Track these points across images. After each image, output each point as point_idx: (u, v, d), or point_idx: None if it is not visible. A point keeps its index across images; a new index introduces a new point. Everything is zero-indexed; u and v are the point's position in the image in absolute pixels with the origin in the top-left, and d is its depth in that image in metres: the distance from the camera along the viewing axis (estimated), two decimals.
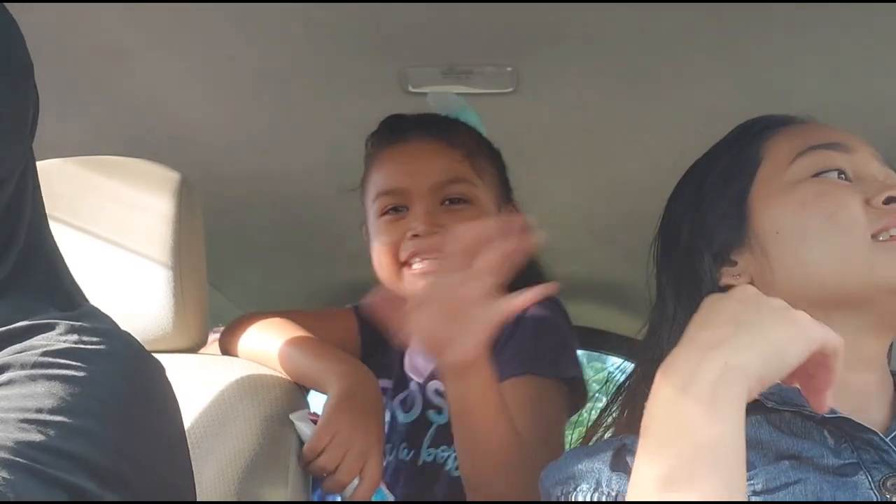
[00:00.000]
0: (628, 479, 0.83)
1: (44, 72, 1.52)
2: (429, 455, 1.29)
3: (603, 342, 2.93)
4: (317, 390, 1.25)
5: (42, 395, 0.67)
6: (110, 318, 0.83)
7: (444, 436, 1.26)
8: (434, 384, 1.32)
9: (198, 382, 1.17)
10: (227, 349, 1.35)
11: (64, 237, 1.20)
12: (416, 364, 1.36)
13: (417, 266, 1.29)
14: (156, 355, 1.19)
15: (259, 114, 1.71)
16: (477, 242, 1.00)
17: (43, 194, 1.22)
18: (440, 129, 1.36)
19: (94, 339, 0.75)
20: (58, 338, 0.74)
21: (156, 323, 1.20)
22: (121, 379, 0.75)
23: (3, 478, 0.60)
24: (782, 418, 0.86)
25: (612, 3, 1.33)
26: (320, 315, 1.48)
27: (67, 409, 0.67)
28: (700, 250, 1.02)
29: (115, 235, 1.21)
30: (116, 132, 1.73)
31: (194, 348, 1.28)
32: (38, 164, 1.24)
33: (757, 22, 1.39)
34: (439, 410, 1.31)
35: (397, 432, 1.33)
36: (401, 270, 1.31)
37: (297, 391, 1.24)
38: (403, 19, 1.40)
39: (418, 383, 1.35)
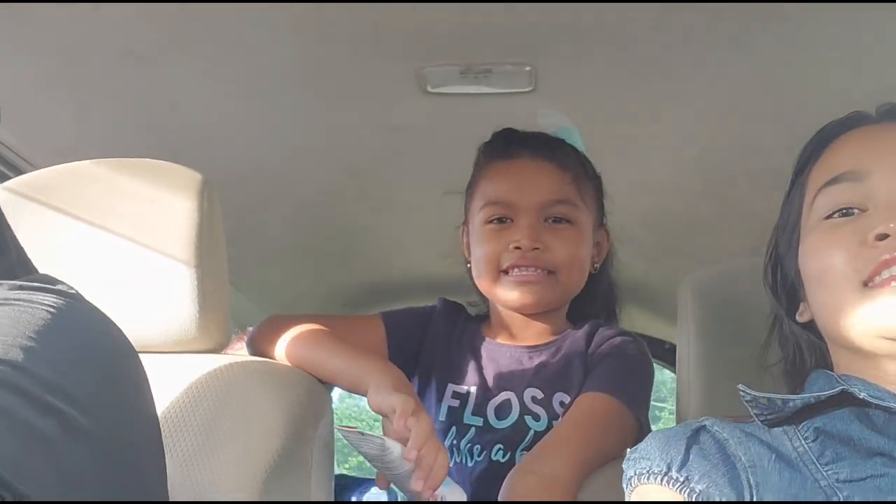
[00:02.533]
0: (701, 463, 0.88)
1: (64, 74, 1.54)
2: (523, 456, 1.32)
3: None
4: (355, 392, 1.29)
5: None
6: (62, 282, 0.84)
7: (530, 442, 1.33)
8: (531, 391, 1.38)
9: (220, 383, 1.17)
10: (260, 350, 1.37)
11: (86, 238, 1.21)
12: (506, 373, 1.42)
13: (516, 273, 1.39)
14: (179, 356, 1.21)
15: (278, 114, 1.72)
16: None
17: (68, 196, 1.24)
18: (553, 150, 1.44)
19: (40, 293, 0.77)
20: (5, 292, 0.75)
21: (178, 324, 1.21)
22: (70, 322, 0.76)
23: None
24: (874, 417, 0.86)
25: (630, 1, 1.33)
26: (349, 320, 1.53)
27: (7, 332, 0.69)
28: (772, 288, 1.05)
29: (138, 236, 1.22)
30: (136, 135, 1.74)
31: (216, 349, 1.28)
32: (64, 166, 1.26)
33: (775, 16, 1.38)
34: (537, 417, 1.36)
35: (489, 436, 1.37)
36: (499, 277, 1.40)
37: (321, 390, 1.24)
38: (421, 19, 1.40)
39: (514, 392, 1.39)
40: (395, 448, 1.12)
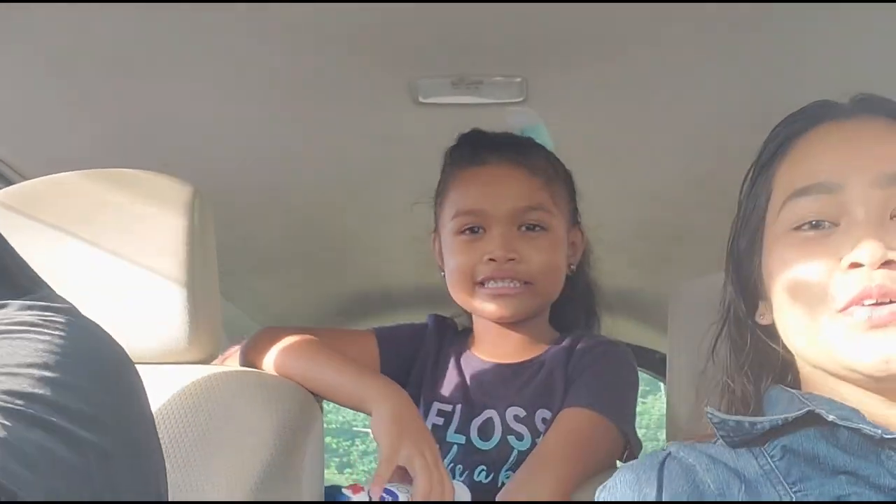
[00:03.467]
0: (682, 496, 0.85)
1: (56, 84, 1.54)
2: (507, 478, 1.31)
3: None
4: (354, 409, 1.30)
5: (5, 354, 0.71)
6: (65, 300, 0.85)
7: (524, 461, 1.29)
8: (513, 410, 1.36)
9: (211, 394, 1.17)
10: (251, 362, 1.36)
11: (77, 250, 1.21)
12: (489, 391, 1.40)
13: (492, 286, 1.36)
14: (169, 367, 1.21)
15: (270, 125, 1.72)
16: None
17: (58, 207, 1.24)
18: (522, 154, 1.40)
19: (49, 313, 0.78)
20: (14, 313, 0.77)
21: (169, 335, 1.21)
22: (80, 340, 0.78)
23: None
24: (839, 435, 0.83)
25: (622, 2, 1.33)
26: (342, 334, 1.51)
27: (34, 363, 0.70)
28: (733, 278, 1.00)
29: (129, 248, 1.22)
30: (129, 145, 1.74)
31: (207, 360, 1.28)
32: (52, 177, 1.26)
33: (765, 27, 1.39)
34: (520, 437, 1.34)
35: (473, 456, 1.36)
36: (475, 289, 1.38)
37: (311, 402, 1.24)
38: (413, 31, 1.41)
39: (496, 411, 1.38)
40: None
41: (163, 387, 1.18)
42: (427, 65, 1.51)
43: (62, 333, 0.76)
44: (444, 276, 1.46)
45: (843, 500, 0.81)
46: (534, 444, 1.32)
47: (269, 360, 1.33)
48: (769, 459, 0.87)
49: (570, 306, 1.51)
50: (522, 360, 1.42)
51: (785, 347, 0.93)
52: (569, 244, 1.45)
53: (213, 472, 1.09)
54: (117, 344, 0.83)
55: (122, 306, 1.18)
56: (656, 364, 2.90)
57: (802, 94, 1.55)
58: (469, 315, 1.50)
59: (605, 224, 2.02)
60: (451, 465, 1.35)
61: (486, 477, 1.33)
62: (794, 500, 0.83)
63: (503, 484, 1.30)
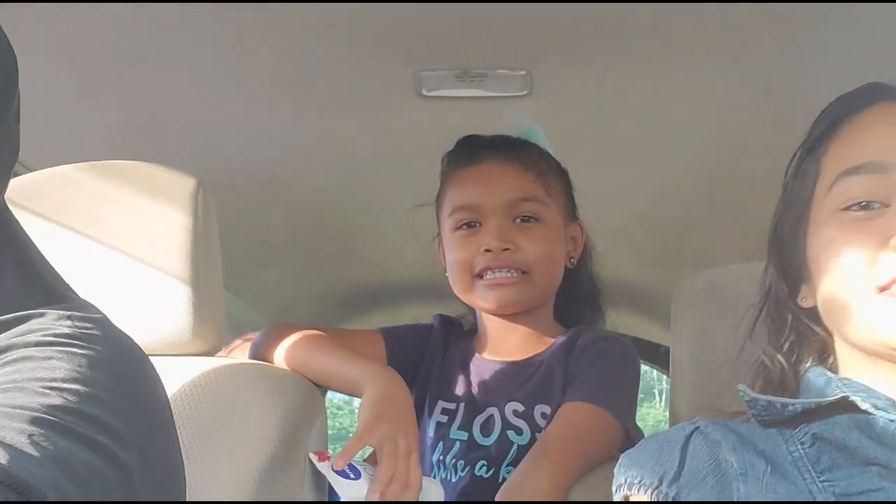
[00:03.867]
0: (692, 477, 0.86)
1: (59, 76, 1.54)
2: (508, 472, 1.32)
3: None
4: (349, 393, 1.31)
5: (52, 367, 0.72)
6: (98, 309, 0.86)
7: (524, 455, 1.29)
8: (512, 405, 1.37)
9: (214, 386, 1.17)
10: (261, 356, 1.37)
11: (79, 242, 1.21)
12: (492, 389, 1.41)
13: (490, 277, 1.38)
14: (173, 359, 1.21)
15: (274, 117, 1.72)
16: None
17: (60, 199, 1.24)
18: (515, 150, 1.43)
19: (87, 324, 0.80)
20: (53, 323, 0.78)
21: (173, 327, 1.21)
22: (118, 357, 0.79)
23: (39, 433, 0.64)
24: (874, 425, 0.82)
25: (625, 2, 1.33)
26: (348, 332, 1.52)
27: (78, 378, 0.72)
28: (776, 263, 0.99)
29: (132, 240, 1.21)
30: (132, 137, 1.74)
31: (211, 352, 1.28)
32: (54, 169, 1.26)
33: (770, 19, 1.38)
34: (519, 431, 1.35)
35: (474, 452, 1.37)
36: (474, 282, 1.40)
37: (315, 394, 1.24)
38: (418, 23, 1.41)
39: (497, 407, 1.39)
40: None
41: (166, 379, 1.16)
42: (431, 57, 1.50)
43: (100, 348, 0.77)
44: (448, 276, 1.47)
45: (870, 492, 0.80)
46: (533, 439, 1.32)
47: (279, 355, 1.34)
48: (799, 446, 0.87)
49: (575, 301, 1.52)
50: (526, 357, 1.42)
51: (825, 331, 0.93)
52: (568, 239, 1.46)
53: (217, 464, 1.09)
54: (142, 354, 0.84)
55: (125, 299, 1.18)
56: (661, 358, 2.90)
57: (809, 88, 1.55)
58: (474, 314, 1.51)
59: (609, 218, 2.01)
60: (454, 460, 1.37)
61: (487, 472, 1.34)
62: (822, 489, 0.82)
63: (504, 479, 1.31)
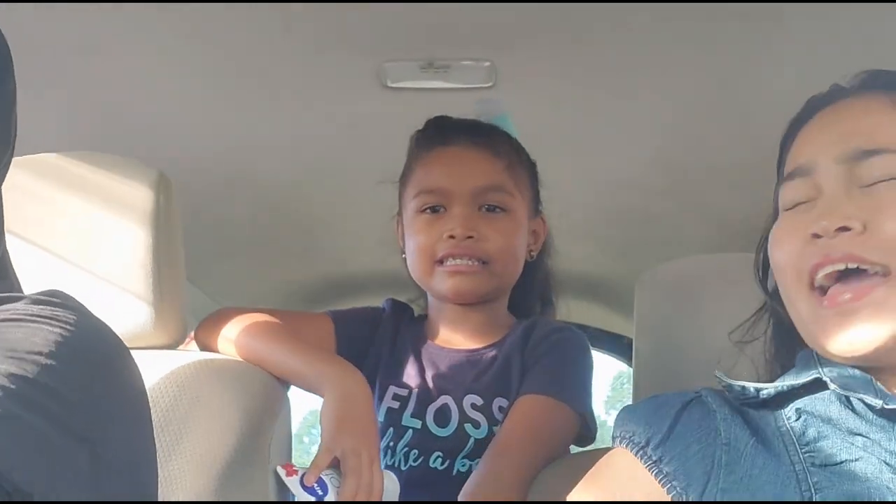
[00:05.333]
0: (677, 443, 0.89)
1: (20, 65, 1.51)
2: (463, 465, 1.33)
3: None
4: (310, 391, 1.28)
5: (15, 339, 0.72)
6: (75, 299, 0.86)
7: (481, 449, 1.30)
8: (470, 398, 1.37)
9: (176, 379, 1.16)
10: (205, 344, 1.35)
11: (40, 232, 1.19)
12: (445, 377, 1.41)
13: (450, 263, 1.37)
14: (134, 352, 1.19)
15: (237, 108, 1.71)
16: None
17: (19, 190, 1.22)
18: (486, 137, 1.42)
19: (60, 309, 0.79)
20: (26, 306, 0.78)
21: (134, 319, 1.20)
22: (87, 339, 0.79)
23: None
24: (853, 401, 0.85)
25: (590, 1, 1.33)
26: (297, 317, 1.48)
27: (39, 351, 0.72)
28: (765, 269, 1.03)
29: (93, 231, 1.20)
30: (93, 127, 1.72)
31: (173, 345, 1.27)
32: (16, 159, 1.24)
33: (736, 15, 1.39)
34: (476, 425, 1.35)
35: (430, 443, 1.36)
36: (434, 268, 1.39)
37: (278, 386, 1.24)
38: (382, 14, 1.40)
39: (452, 397, 1.38)
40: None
41: None
42: (395, 49, 1.50)
43: (72, 328, 0.77)
44: (405, 258, 1.47)
45: (851, 461, 0.83)
46: (490, 432, 1.33)
47: (222, 341, 1.32)
48: (786, 421, 0.90)
49: (529, 294, 1.52)
50: (478, 346, 1.42)
51: None
52: (530, 232, 1.46)
53: (180, 457, 1.09)
54: (119, 344, 0.84)
55: (86, 290, 1.17)
56: (624, 349, 2.92)
57: (771, 83, 1.57)
58: (426, 300, 1.51)
59: (573, 209, 2.02)
60: (406, 449, 1.36)
61: (442, 464, 1.34)
62: (803, 460, 0.85)
63: (458, 471, 1.32)
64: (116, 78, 1.58)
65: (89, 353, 0.77)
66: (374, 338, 1.47)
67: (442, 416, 1.37)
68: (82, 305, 0.84)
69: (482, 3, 1.35)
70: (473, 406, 1.36)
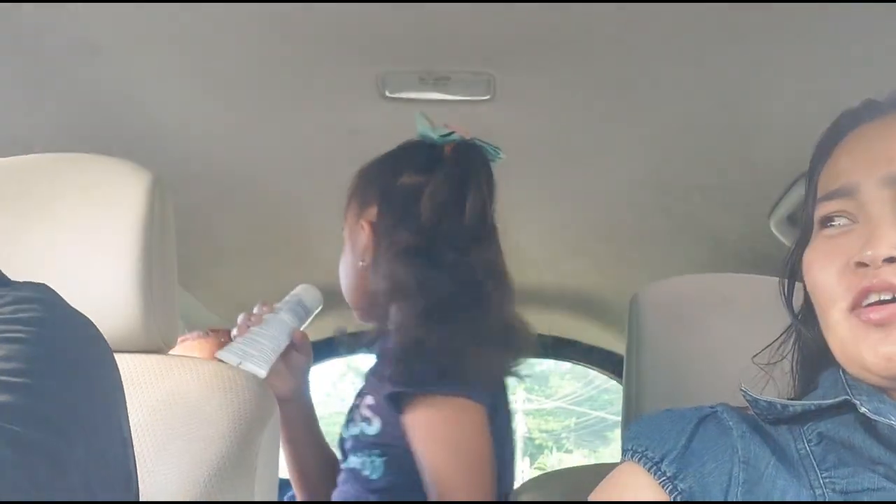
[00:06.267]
0: (693, 460, 0.87)
1: (15, 66, 1.51)
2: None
3: (571, 351, 2.94)
4: None
5: None
6: (47, 290, 0.85)
7: (361, 445, 1.40)
8: (367, 399, 1.43)
9: (166, 383, 1.16)
10: None
11: (31, 235, 1.19)
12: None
13: None
14: (125, 355, 1.19)
15: (234, 114, 1.71)
16: None
17: (14, 190, 1.21)
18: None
19: (24, 305, 0.79)
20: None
21: (125, 324, 1.19)
22: (50, 339, 0.78)
23: None
24: (879, 426, 0.83)
25: (593, 2, 1.33)
26: None
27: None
28: (791, 289, 1.01)
29: (85, 234, 1.20)
30: (89, 129, 1.72)
31: (163, 349, 1.26)
32: (9, 159, 1.23)
33: (734, 36, 1.40)
34: (369, 422, 1.41)
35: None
36: None
37: (268, 393, 1.23)
38: (382, 24, 1.40)
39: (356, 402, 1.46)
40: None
41: None
42: (395, 59, 1.50)
43: (32, 329, 0.75)
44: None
45: (872, 491, 0.82)
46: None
47: None
48: (806, 443, 0.89)
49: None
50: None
51: None
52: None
53: (168, 463, 1.08)
54: (94, 335, 0.84)
55: (77, 293, 1.16)
56: (615, 366, 2.92)
57: (766, 103, 1.57)
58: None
59: (568, 224, 2.02)
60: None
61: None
62: (822, 485, 0.84)
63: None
64: (113, 81, 1.58)
65: (51, 356, 0.76)
66: None
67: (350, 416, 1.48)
68: (50, 298, 0.83)
69: (482, 14, 1.36)
70: (368, 406, 1.44)
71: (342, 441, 1.46)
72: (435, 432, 1.28)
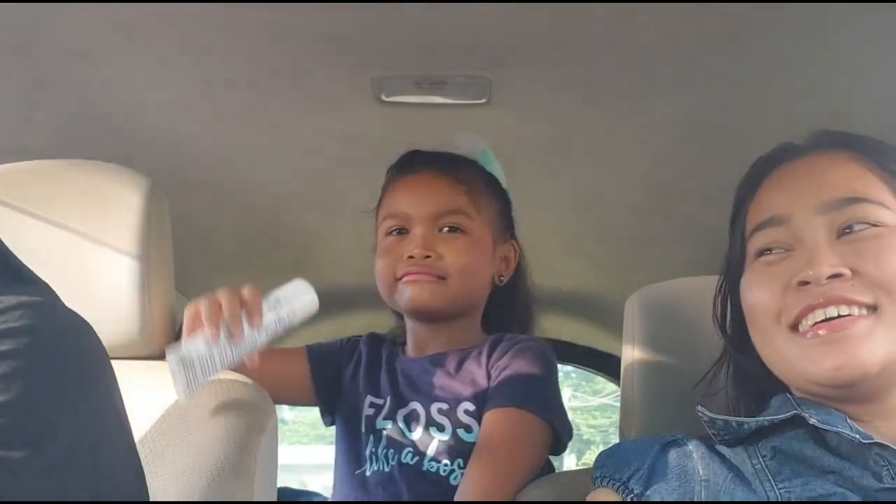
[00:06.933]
0: (657, 479, 0.93)
1: (11, 72, 1.51)
2: (431, 466, 1.37)
3: (569, 354, 2.94)
4: None
5: None
6: (43, 291, 0.87)
7: (444, 449, 1.37)
8: (437, 405, 1.41)
9: (163, 390, 1.15)
10: None
11: (28, 242, 1.18)
12: (415, 384, 1.46)
13: (409, 277, 1.43)
14: (122, 362, 1.19)
15: (231, 120, 1.70)
16: None
17: (8, 198, 1.21)
18: (450, 166, 1.49)
19: (16, 312, 0.78)
20: None
21: (122, 330, 1.19)
22: (39, 349, 0.77)
23: None
24: (828, 438, 0.90)
25: (590, 2, 1.33)
26: (276, 351, 1.51)
27: None
28: (724, 313, 1.10)
29: (83, 241, 1.20)
30: (85, 136, 1.71)
31: (161, 355, 1.26)
32: (7, 166, 1.23)
33: (728, 37, 1.40)
34: (441, 428, 1.40)
35: (401, 441, 1.41)
36: (396, 285, 1.45)
37: (266, 399, 1.23)
38: (377, 28, 1.40)
39: (420, 404, 1.43)
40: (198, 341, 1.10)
41: None
42: (391, 63, 1.50)
43: (21, 340, 0.75)
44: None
45: (826, 497, 0.86)
46: (454, 434, 1.38)
47: None
48: (761, 459, 0.94)
49: (504, 316, 1.57)
50: (440, 351, 1.48)
51: None
52: (500, 258, 1.52)
53: (166, 469, 1.08)
54: (87, 342, 0.84)
55: (75, 300, 1.16)
56: (612, 368, 2.91)
57: (763, 107, 1.57)
58: (403, 327, 1.57)
59: (565, 226, 2.02)
60: (385, 450, 1.41)
61: (412, 459, 1.39)
62: (779, 496, 0.89)
63: (427, 469, 1.37)
64: (110, 87, 1.58)
65: (39, 368, 0.76)
66: (348, 363, 1.56)
67: (412, 420, 1.42)
68: (43, 302, 0.83)
69: (478, 18, 1.36)
70: (440, 411, 1.41)
71: (396, 437, 1.43)
72: (505, 434, 1.33)
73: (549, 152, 1.80)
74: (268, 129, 1.74)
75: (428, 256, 1.42)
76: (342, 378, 1.54)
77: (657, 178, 1.90)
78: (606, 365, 2.97)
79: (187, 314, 1.17)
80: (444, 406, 1.40)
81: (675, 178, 1.89)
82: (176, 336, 1.34)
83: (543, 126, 1.70)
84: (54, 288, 1.15)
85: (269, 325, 1.18)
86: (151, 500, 1.03)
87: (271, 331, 1.18)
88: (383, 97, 1.58)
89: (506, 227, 1.55)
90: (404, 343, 1.56)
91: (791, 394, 0.97)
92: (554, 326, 2.68)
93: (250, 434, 1.14)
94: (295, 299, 1.26)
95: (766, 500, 0.88)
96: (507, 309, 1.56)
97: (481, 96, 1.58)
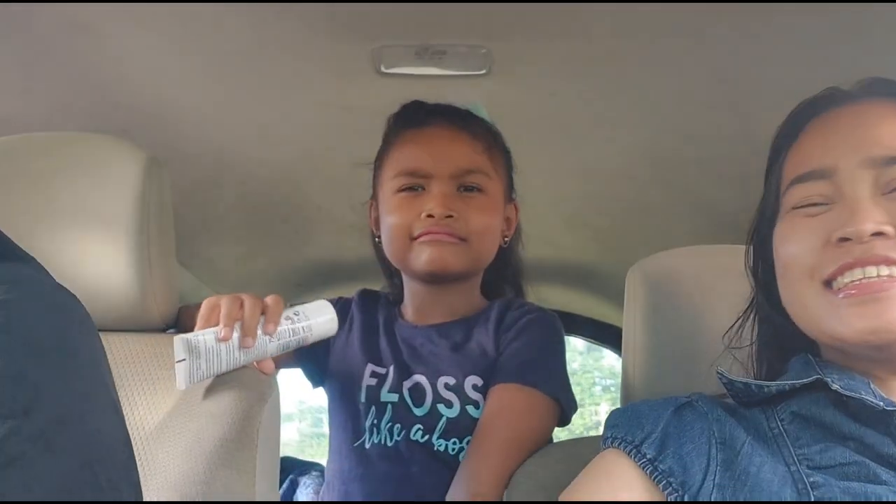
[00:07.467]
0: (671, 443, 0.90)
1: (9, 45, 1.50)
2: (441, 444, 1.35)
3: (570, 324, 2.95)
4: None
5: None
6: (27, 267, 0.85)
7: (454, 427, 1.34)
8: (444, 379, 1.38)
9: (166, 361, 1.16)
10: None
11: (29, 215, 1.19)
12: (418, 354, 1.43)
13: (428, 237, 1.38)
14: (124, 334, 1.19)
15: (230, 92, 1.70)
16: None
17: (8, 170, 1.21)
18: (463, 120, 1.44)
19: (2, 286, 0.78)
20: None
21: (124, 302, 1.19)
22: (20, 323, 0.77)
23: None
24: (849, 403, 0.87)
25: None
26: None
27: None
28: (756, 263, 1.06)
29: (82, 213, 1.20)
30: (84, 108, 1.71)
31: (163, 327, 1.27)
32: (6, 139, 1.23)
33: (728, 7, 1.39)
34: (449, 404, 1.37)
35: (408, 418, 1.38)
36: (411, 245, 1.40)
37: None
38: None
39: (426, 377, 1.40)
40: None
41: (117, 354, 1.17)
42: (390, 33, 1.49)
43: (6, 314, 0.75)
44: (378, 241, 1.49)
45: (842, 466, 0.84)
46: (463, 411, 1.35)
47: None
48: (779, 422, 0.91)
49: (500, 278, 1.55)
50: (447, 320, 1.45)
51: None
52: (504, 218, 1.48)
53: (169, 439, 1.09)
54: (76, 313, 0.83)
55: (75, 272, 1.17)
56: (614, 338, 2.92)
57: (763, 77, 1.57)
58: (400, 287, 1.53)
59: (565, 197, 2.02)
60: (389, 425, 1.38)
61: (423, 437, 1.36)
62: (794, 461, 0.86)
63: (437, 449, 1.34)
64: (108, 59, 1.57)
65: (20, 342, 0.76)
66: (346, 323, 1.51)
67: (417, 395, 1.39)
68: (26, 278, 0.83)
69: None
70: (447, 386, 1.38)
71: (403, 411, 1.39)
72: (511, 410, 1.31)
73: (550, 123, 1.79)
74: (267, 101, 1.73)
75: (450, 216, 1.37)
76: (331, 340, 1.43)
77: (658, 150, 1.90)
78: (607, 335, 2.99)
79: (206, 305, 1.16)
80: (451, 381, 1.37)
81: (676, 150, 1.88)
82: (178, 313, 1.34)
83: (544, 97, 1.69)
84: (55, 261, 1.16)
85: (283, 336, 1.17)
86: (153, 469, 1.04)
87: (284, 341, 1.17)
88: (383, 68, 1.57)
89: (511, 187, 1.52)
90: (400, 302, 1.52)
91: (814, 354, 0.95)
92: (553, 297, 2.69)
93: (252, 405, 1.14)
94: (315, 316, 1.22)
95: (784, 464, 0.86)
96: (501, 270, 1.54)
97: (482, 67, 1.57)
